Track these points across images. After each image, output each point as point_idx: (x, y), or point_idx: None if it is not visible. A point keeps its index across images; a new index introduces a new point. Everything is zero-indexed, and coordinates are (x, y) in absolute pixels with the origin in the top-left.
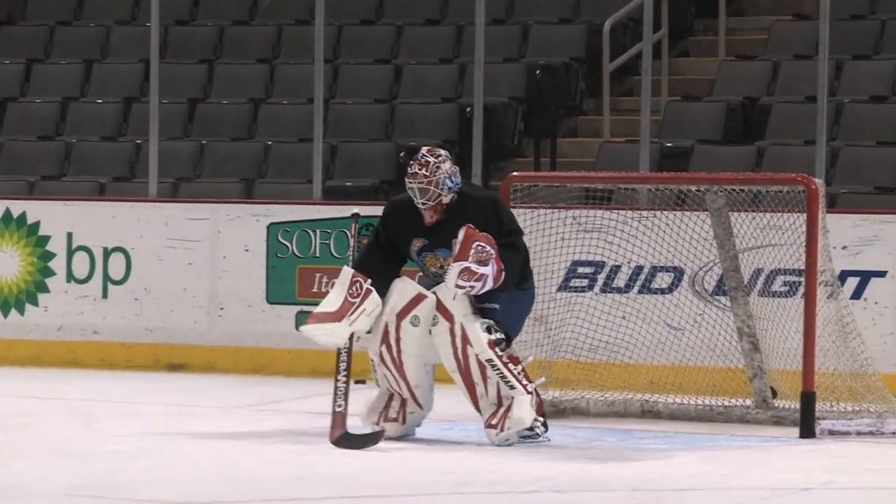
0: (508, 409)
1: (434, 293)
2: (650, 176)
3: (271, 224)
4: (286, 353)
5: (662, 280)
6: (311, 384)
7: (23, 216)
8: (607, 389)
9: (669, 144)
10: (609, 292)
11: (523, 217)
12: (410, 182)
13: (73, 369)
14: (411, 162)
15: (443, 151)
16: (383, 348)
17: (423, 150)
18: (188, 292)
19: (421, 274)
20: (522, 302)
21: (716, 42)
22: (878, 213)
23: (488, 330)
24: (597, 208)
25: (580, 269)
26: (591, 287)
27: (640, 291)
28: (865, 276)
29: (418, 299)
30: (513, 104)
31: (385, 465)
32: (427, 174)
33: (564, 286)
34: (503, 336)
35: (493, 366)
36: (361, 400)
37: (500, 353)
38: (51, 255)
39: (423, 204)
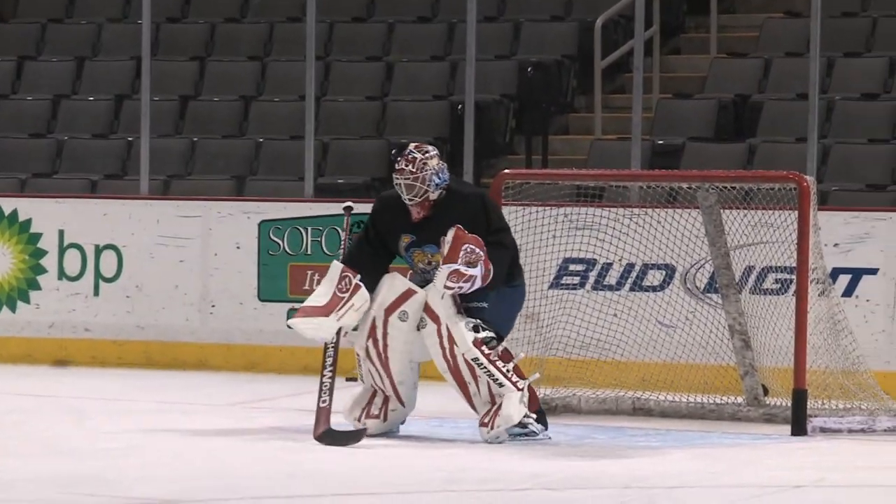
0: (499, 407)
1: (424, 290)
2: (642, 173)
3: (263, 221)
4: (277, 351)
5: (654, 277)
6: (302, 381)
7: (14, 213)
8: (599, 387)
9: (661, 142)
10: (600, 290)
11: (515, 214)
12: (397, 178)
13: (65, 367)
14: (399, 158)
15: (430, 148)
16: (370, 343)
17: (411, 146)
18: (180, 290)
19: (411, 272)
20: (512, 299)
21: (707, 39)
22: (869, 211)
23: (475, 329)
24: (588, 206)
25: (571, 267)
26: (582, 284)
27: (631, 289)
28: (857, 274)
29: (407, 295)
30: (504, 101)
31: (376, 462)
32: (414, 170)
33: (556, 284)
34: (492, 334)
35: (480, 365)
36: (346, 396)
37: (487, 352)
38: (42, 253)
39: (411, 200)
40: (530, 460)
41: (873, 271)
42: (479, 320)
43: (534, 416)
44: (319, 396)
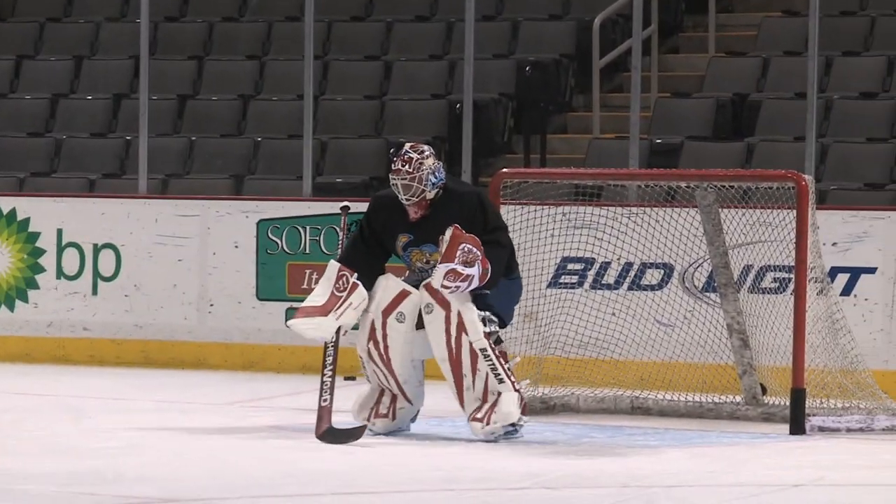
0: (495, 403)
1: (427, 283)
2: (640, 172)
3: (261, 220)
4: (276, 350)
5: (652, 276)
6: (301, 380)
7: (13, 213)
8: (597, 386)
9: (659, 141)
10: (599, 289)
11: (513, 214)
12: (394, 178)
13: (64, 365)
14: (394, 158)
15: (426, 147)
16: (371, 345)
17: (407, 146)
18: (178, 289)
19: (409, 271)
20: (512, 290)
21: (705, 38)
22: (867, 210)
23: (483, 322)
24: (586, 205)
25: (570, 266)
26: (580, 284)
27: (629, 288)
28: (855, 273)
29: (403, 296)
30: (502, 100)
31: (374, 461)
32: (410, 170)
33: (554, 283)
34: (496, 329)
35: (487, 356)
36: (352, 396)
37: (493, 346)
38: (41, 252)
39: (407, 200)
40: (528, 459)
41: (871, 270)
42: (487, 313)
43: (525, 418)
44: (320, 395)
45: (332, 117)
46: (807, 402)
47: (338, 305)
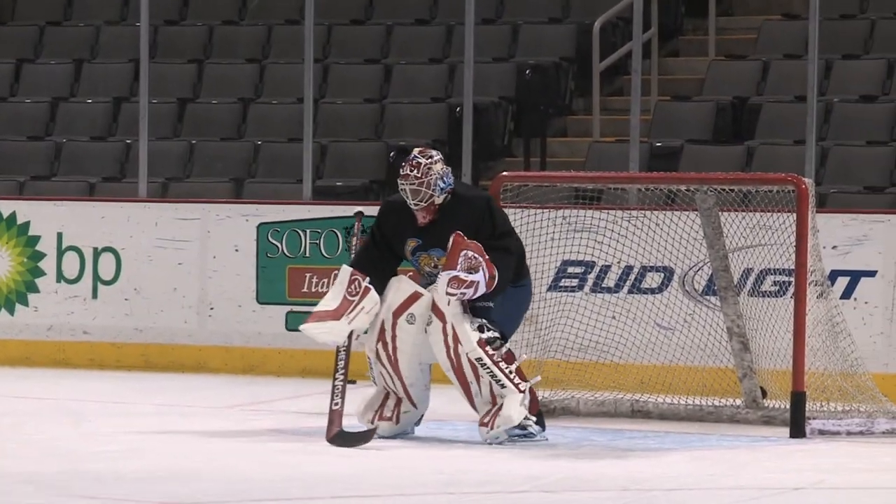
0: (500, 407)
1: (430, 292)
2: (640, 176)
3: (261, 224)
4: (276, 353)
5: (652, 280)
6: (301, 384)
7: (13, 216)
8: (597, 389)
9: (659, 144)
10: (599, 292)
11: (513, 217)
12: (402, 183)
13: (64, 369)
14: (403, 163)
15: (434, 152)
16: (379, 346)
17: (415, 151)
18: (178, 292)
19: (413, 273)
20: (518, 299)
21: (705, 42)
22: (867, 213)
23: (480, 329)
24: (586, 208)
25: (570, 269)
26: (580, 287)
27: (630, 291)
28: (855, 276)
29: (414, 297)
30: (502, 104)
31: (375, 464)
32: (419, 175)
33: (554, 286)
34: (497, 334)
35: (483, 365)
36: (357, 398)
37: (491, 352)
38: (41, 256)
39: (416, 205)
40: (529, 462)
41: (871, 273)
42: (484, 320)
43: (534, 418)
44: (332, 399)
45: (332, 121)
46: (807, 405)
47: (350, 310)
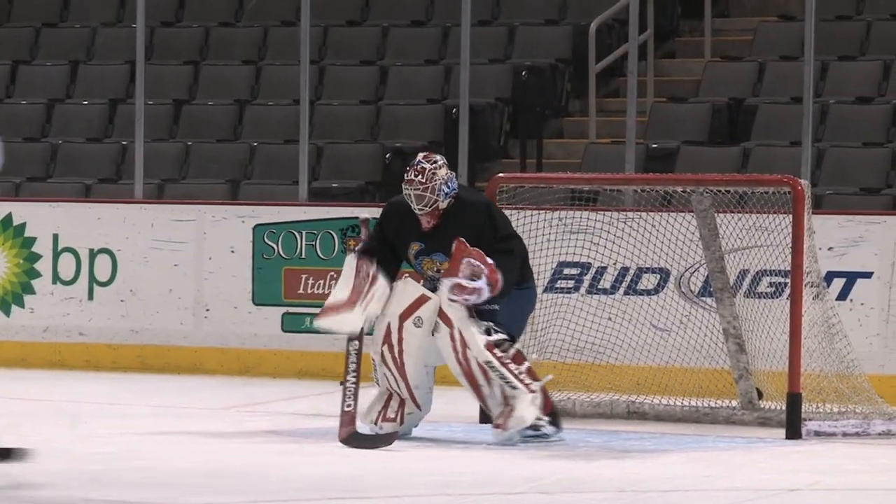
0: (512, 408)
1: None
2: (636, 177)
3: (257, 225)
4: (272, 355)
5: (648, 281)
6: (297, 385)
7: (9, 217)
8: (593, 390)
9: (655, 145)
10: (595, 293)
11: (509, 218)
12: (407, 189)
13: (59, 371)
14: (407, 168)
15: (439, 157)
16: (385, 348)
17: (419, 156)
18: (174, 294)
19: (411, 273)
20: (523, 301)
21: (701, 43)
22: (863, 214)
23: (487, 332)
24: (583, 209)
25: (566, 271)
26: (576, 288)
27: (626, 293)
28: (851, 278)
29: (422, 300)
30: (499, 105)
31: (371, 466)
32: (423, 181)
33: (550, 287)
34: (504, 336)
35: (493, 368)
36: (361, 400)
37: (500, 355)
38: (37, 257)
39: (421, 210)
40: (525, 464)
41: (867, 275)
42: (490, 323)
43: (547, 418)
44: (344, 401)
45: (328, 122)
46: (803, 406)
47: (362, 298)
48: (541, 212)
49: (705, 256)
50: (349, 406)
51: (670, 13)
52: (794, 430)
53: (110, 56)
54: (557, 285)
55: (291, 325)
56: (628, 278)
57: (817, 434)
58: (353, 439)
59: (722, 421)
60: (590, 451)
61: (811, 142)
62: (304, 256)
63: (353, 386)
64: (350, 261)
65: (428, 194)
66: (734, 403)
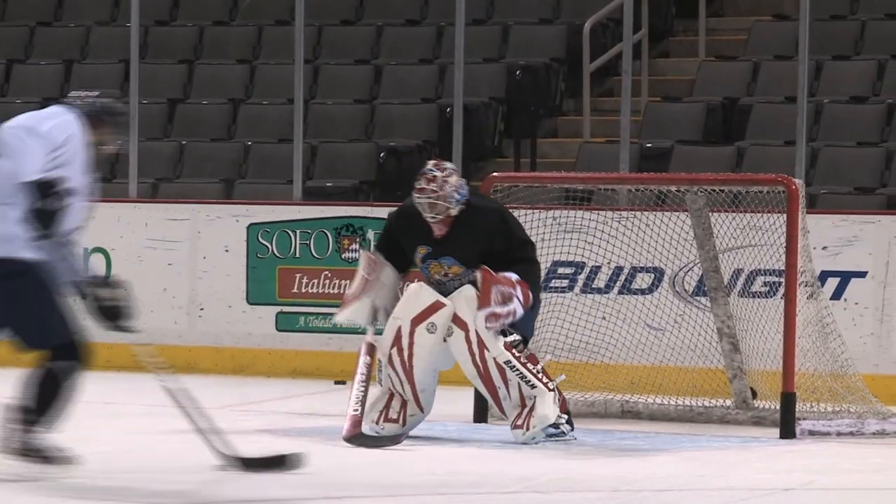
0: (532, 407)
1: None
2: (630, 176)
3: (251, 224)
4: (266, 354)
5: (642, 281)
6: (291, 385)
7: None
8: (587, 390)
9: (649, 145)
10: (589, 293)
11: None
12: (419, 197)
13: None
14: (418, 176)
15: (449, 164)
16: (394, 350)
17: (430, 164)
18: (168, 293)
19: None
20: (534, 303)
21: (696, 42)
22: (858, 214)
23: (503, 333)
24: (577, 209)
25: (560, 270)
26: (571, 288)
27: (620, 292)
28: (845, 277)
29: (436, 307)
30: (493, 104)
31: (366, 465)
32: (435, 189)
33: (545, 286)
34: (518, 338)
35: (512, 367)
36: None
37: (517, 354)
38: None
39: (433, 218)
40: (519, 463)
41: (862, 274)
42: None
43: (565, 416)
44: (352, 405)
45: (323, 121)
46: (797, 405)
47: (370, 288)
48: (535, 211)
49: (699, 256)
50: (356, 410)
51: (664, 12)
52: (788, 430)
53: (104, 55)
54: (552, 285)
55: (285, 324)
56: (622, 278)
57: (811, 433)
58: (358, 439)
59: (716, 420)
60: (584, 451)
61: (805, 141)
62: (298, 256)
63: (362, 392)
64: (363, 254)
65: (440, 202)
66: (728, 403)
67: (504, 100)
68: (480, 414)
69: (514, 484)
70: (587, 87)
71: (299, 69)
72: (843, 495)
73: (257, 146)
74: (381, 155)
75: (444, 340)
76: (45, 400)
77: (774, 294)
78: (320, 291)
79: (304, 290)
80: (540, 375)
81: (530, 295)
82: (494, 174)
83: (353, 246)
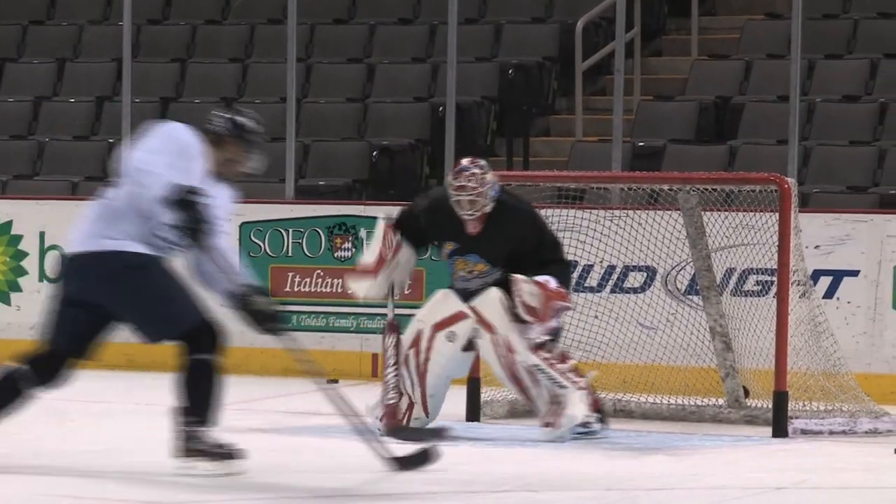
0: (561, 406)
1: (473, 307)
2: (622, 175)
3: (244, 223)
4: (259, 353)
5: (635, 279)
6: (284, 383)
7: None
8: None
9: (642, 144)
10: (581, 291)
11: None
12: (458, 195)
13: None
14: (455, 175)
15: (483, 162)
16: (411, 352)
17: (465, 162)
18: None
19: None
20: None
21: (688, 41)
22: (850, 213)
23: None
24: (569, 208)
25: None
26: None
27: (612, 291)
28: (838, 276)
29: (459, 316)
30: (485, 103)
31: (357, 464)
32: (475, 186)
33: None
34: (546, 338)
35: (540, 370)
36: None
37: (545, 356)
38: (23, 255)
39: (471, 216)
40: (511, 462)
41: (854, 273)
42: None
43: (596, 414)
44: (386, 394)
45: (315, 120)
46: (789, 404)
47: (386, 266)
48: None
49: (692, 255)
50: (392, 399)
51: (657, 11)
52: (780, 429)
53: (97, 54)
54: None
55: None
56: (615, 276)
57: (804, 432)
58: (401, 431)
59: (708, 419)
60: (576, 450)
61: (798, 140)
62: (290, 254)
63: (395, 378)
64: (380, 223)
65: (480, 199)
66: (721, 402)
67: (496, 99)
68: (473, 413)
69: (507, 483)
70: (579, 86)
71: (292, 68)
72: (835, 494)
73: None
74: (374, 154)
75: (466, 349)
76: (198, 396)
77: (767, 293)
78: (313, 290)
79: (296, 289)
80: (570, 374)
81: (568, 297)
82: None
83: (346, 245)
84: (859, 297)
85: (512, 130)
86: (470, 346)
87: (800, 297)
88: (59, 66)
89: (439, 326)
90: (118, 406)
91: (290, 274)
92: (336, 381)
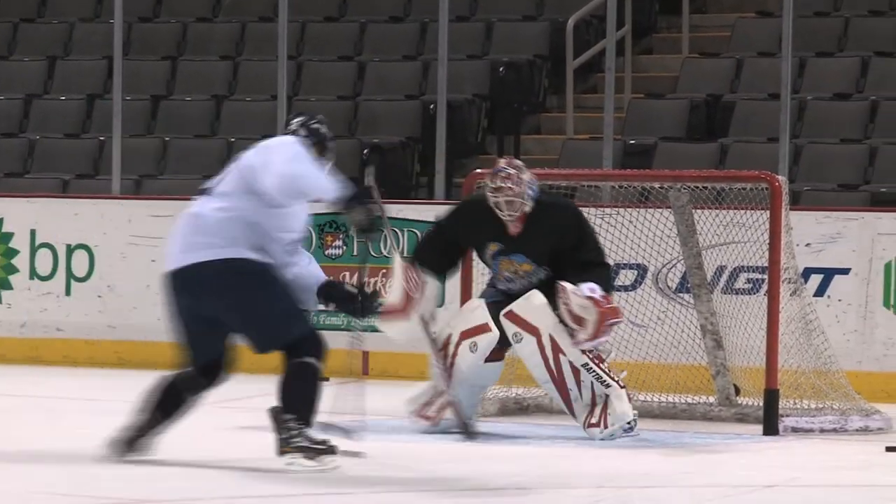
0: (605, 405)
1: (507, 312)
2: (613, 173)
3: None
4: (250, 351)
5: (626, 277)
6: (274, 381)
7: None
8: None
9: (633, 142)
10: None
11: None
12: (496, 196)
13: (37, 366)
14: (493, 175)
15: (519, 161)
16: (442, 353)
17: (502, 162)
18: (151, 289)
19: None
20: None
21: (679, 39)
22: (841, 211)
23: (573, 336)
24: None
25: None
26: None
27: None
28: (829, 274)
29: (483, 329)
30: (476, 101)
31: (351, 462)
32: (513, 186)
33: None
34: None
35: (589, 369)
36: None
37: (591, 356)
38: (14, 253)
39: (510, 216)
40: (503, 460)
41: (845, 271)
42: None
43: (635, 412)
44: (441, 392)
45: None
46: (780, 402)
47: (415, 304)
48: None
49: (683, 252)
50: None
51: (648, 9)
52: (771, 427)
53: (88, 51)
54: None
55: None
56: None
57: (794, 430)
58: (465, 427)
59: (699, 417)
60: (568, 448)
61: (789, 138)
62: None
63: (443, 371)
64: (398, 262)
65: (518, 199)
66: (711, 399)
67: (487, 96)
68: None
69: (499, 480)
70: (570, 84)
71: (282, 66)
72: (826, 492)
73: (241, 142)
74: (365, 151)
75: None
76: (301, 397)
77: (758, 291)
78: None
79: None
80: (612, 373)
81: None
82: (477, 171)
83: (337, 242)
84: (850, 295)
85: (503, 128)
86: (492, 357)
87: (791, 295)
88: (50, 64)
89: (465, 335)
90: (109, 404)
91: None
92: (327, 380)
